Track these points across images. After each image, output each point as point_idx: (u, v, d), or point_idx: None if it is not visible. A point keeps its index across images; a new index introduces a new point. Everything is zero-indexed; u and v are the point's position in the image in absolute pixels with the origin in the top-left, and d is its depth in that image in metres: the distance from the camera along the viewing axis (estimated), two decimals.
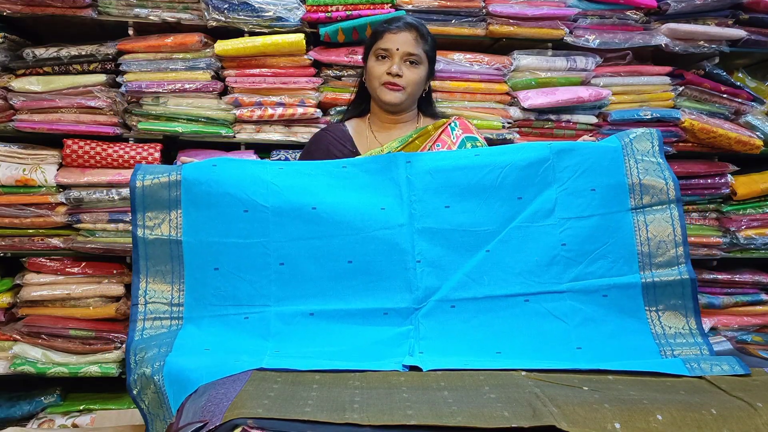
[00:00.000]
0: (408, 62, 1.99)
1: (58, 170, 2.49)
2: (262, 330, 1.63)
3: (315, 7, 2.49)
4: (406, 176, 1.73)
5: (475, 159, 1.76)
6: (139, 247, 1.70)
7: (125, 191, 2.47)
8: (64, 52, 2.46)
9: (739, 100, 2.74)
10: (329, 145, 2.09)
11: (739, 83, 2.78)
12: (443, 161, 1.76)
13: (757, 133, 2.76)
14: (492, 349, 1.59)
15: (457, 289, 1.66)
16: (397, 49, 1.97)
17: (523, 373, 1.40)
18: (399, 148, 1.93)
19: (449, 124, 1.97)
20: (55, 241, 2.54)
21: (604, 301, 1.68)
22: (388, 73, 1.98)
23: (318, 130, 2.43)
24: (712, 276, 2.79)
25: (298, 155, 2.47)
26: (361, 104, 2.21)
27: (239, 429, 1.07)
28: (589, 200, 1.73)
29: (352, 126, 2.17)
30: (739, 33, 2.68)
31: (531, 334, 1.63)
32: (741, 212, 2.77)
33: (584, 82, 2.70)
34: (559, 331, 1.63)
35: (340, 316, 1.65)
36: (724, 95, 2.74)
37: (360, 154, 2.02)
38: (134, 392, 1.54)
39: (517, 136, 2.62)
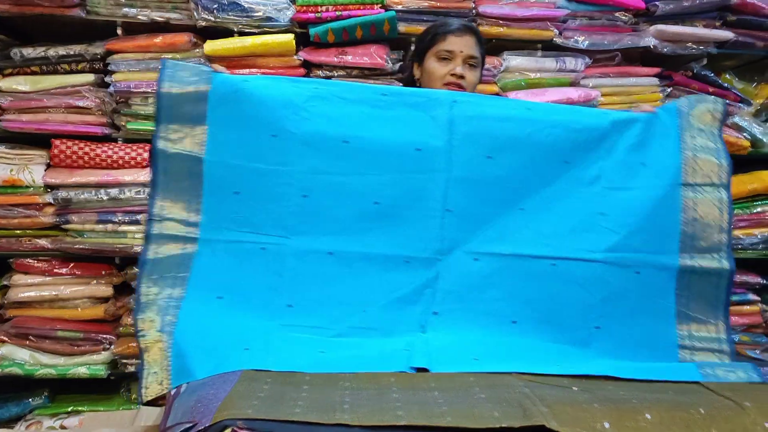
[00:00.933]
0: (468, 65, 1.97)
1: (45, 170, 2.48)
2: (276, 269, 1.57)
3: (305, 8, 2.48)
4: (449, 117, 1.64)
5: (526, 112, 1.68)
6: (159, 160, 1.60)
7: (114, 191, 2.46)
8: (52, 51, 2.45)
9: (727, 101, 2.75)
10: None
11: (726, 84, 2.80)
12: (492, 108, 1.68)
13: (744, 134, 2.78)
14: (508, 317, 1.56)
15: (484, 243, 1.61)
16: (461, 52, 1.95)
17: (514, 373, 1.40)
18: None
19: None
20: (43, 242, 2.52)
21: (635, 278, 1.62)
22: (452, 74, 1.95)
23: None
24: None
25: None
26: None
27: (229, 430, 1.06)
28: (637, 173, 1.67)
29: None
30: (727, 35, 2.70)
31: (552, 303, 1.59)
32: None
33: (574, 83, 2.71)
34: (581, 303, 1.59)
35: (359, 259, 1.59)
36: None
37: None
38: (139, 332, 1.48)
39: None
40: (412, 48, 2.07)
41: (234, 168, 1.61)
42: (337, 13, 2.48)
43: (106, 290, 2.55)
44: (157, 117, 1.60)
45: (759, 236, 2.75)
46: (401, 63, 2.60)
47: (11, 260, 2.53)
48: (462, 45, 1.96)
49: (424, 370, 1.41)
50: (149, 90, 2.47)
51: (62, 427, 2.49)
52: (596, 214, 1.64)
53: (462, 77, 1.94)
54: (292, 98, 1.63)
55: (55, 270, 2.53)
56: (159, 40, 2.46)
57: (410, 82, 2.15)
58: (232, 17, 2.45)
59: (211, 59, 2.50)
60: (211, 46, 2.45)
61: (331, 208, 1.60)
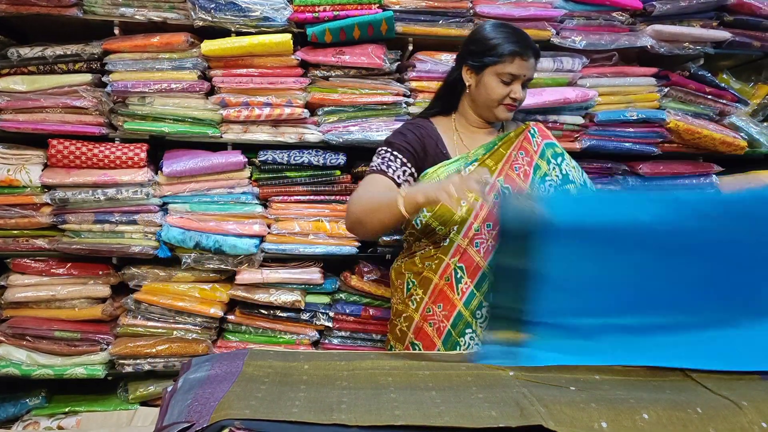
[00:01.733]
0: (523, 85, 2.01)
1: (42, 170, 2.47)
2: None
3: (302, 7, 2.48)
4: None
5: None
6: (495, 270, 1.71)
7: (111, 191, 2.46)
8: (49, 51, 2.44)
9: (724, 101, 2.76)
10: (424, 138, 2.06)
11: (723, 84, 2.80)
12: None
13: (741, 134, 2.79)
14: None
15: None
16: (524, 75, 1.98)
17: (511, 372, 1.40)
18: (485, 156, 1.95)
19: (528, 131, 1.99)
20: (40, 242, 2.52)
21: None
22: (512, 97, 1.98)
23: (409, 118, 2.53)
24: None
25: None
26: (448, 102, 2.16)
27: (226, 430, 1.06)
28: None
29: (438, 124, 2.13)
30: (724, 35, 2.70)
31: None
32: None
33: (571, 83, 2.71)
34: None
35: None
36: (709, 96, 2.76)
37: (449, 155, 2.02)
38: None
39: None
40: (464, 49, 2.06)
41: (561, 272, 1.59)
42: (335, 12, 2.48)
43: (104, 290, 2.55)
44: (501, 233, 1.60)
45: None
46: (399, 63, 2.60)
47: (8, 260, 2.53)
48: (526, 69, 1.98)
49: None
50: (147, 90, 2.47)
51: (60, 428, 2.49)
52: None
53: (520, 100, 2.01)
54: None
55: (52, 270, 2.53)
56: (156, 39, 2.45)
57: (456, 81, 2.10)
58: (229, 17, 2.45)
59: (208, 59, 2.50)
60: (208, 45, 2.45)
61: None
